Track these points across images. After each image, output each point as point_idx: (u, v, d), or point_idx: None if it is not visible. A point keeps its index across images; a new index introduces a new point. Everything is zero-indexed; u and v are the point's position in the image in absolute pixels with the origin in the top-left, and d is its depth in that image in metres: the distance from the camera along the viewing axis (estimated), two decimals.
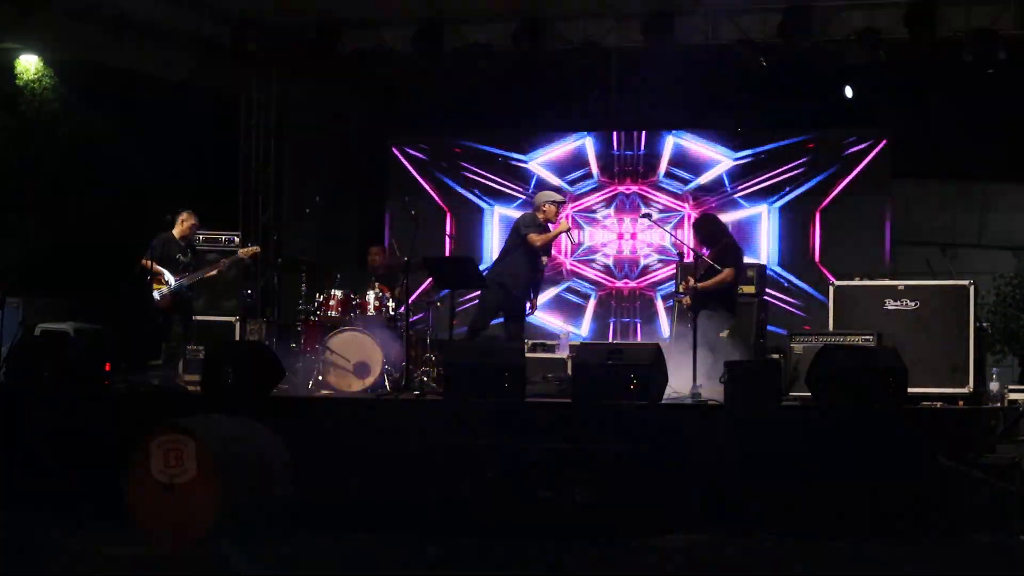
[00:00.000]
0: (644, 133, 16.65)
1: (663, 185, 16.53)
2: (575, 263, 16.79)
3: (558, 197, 12.84)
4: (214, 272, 13.21)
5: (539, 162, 16.94)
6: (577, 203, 16.77)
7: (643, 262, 16.59)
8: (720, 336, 11.76)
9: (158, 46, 15.45)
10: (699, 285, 11.51)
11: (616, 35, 15.32)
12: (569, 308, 16.68)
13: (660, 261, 16.43)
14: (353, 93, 16.42)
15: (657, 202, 16.44)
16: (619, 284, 16.53)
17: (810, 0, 14.44)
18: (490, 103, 16.31)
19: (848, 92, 15.09)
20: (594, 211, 16.74)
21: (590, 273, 16.78)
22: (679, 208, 16.32)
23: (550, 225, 12.47)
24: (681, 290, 11.94)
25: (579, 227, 16.61)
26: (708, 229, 12.17)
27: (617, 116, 16.77)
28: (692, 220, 12.89)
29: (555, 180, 16.76)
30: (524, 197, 16.65)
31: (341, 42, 15.97)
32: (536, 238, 12.33)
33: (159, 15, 14.95)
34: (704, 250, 11.92)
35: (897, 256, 15.80)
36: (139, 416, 10.67)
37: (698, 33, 15.05)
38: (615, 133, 16.74)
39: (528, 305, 12.53)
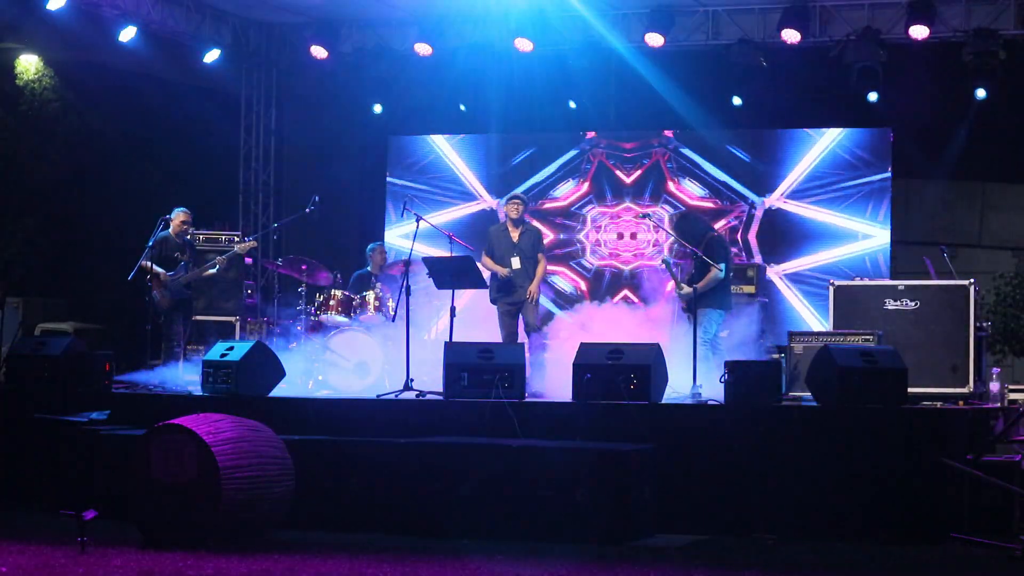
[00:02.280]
0: (643, 134, 16.60)
1: (662, 186, 16.46)
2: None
3: (518, 195, 13.28)
4: (213, 271, 13.21)
5: (537, 165, 16.90)
6: (574, 204, 16.72)
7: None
8: (721, 335, 11.77)
9: (158, 46, 15.45)
10: (696, 287, 11.49)
11: (616, 35, 15.34)
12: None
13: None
14: (353, 92, 16.41)
15: (660, 203, 16.38)
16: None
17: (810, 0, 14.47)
18: (491, 102, 16.28)
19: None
20: (588, 211, 16.67)
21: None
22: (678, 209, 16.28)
23: (511, 230, 13.01)
24: (679, 293, 11.92)
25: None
26: (690, 227, 12.11)
27: (617, 116, 16.74)
28: (672, 221, 12.86)
29: (552, 179, 16.74)
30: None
31: (341, 41, 15.98)
32: (482, 263, 12.93)
33: (159, 15, 14.95)
34: (689, 248, 11.85)
35: (897, 256, 15.78)
36: (139, 416, 10.73)
37: (698, 33, 15.08)
38: (614, 133, 16.70)
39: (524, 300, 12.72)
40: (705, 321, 11.53)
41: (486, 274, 12.88)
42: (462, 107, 16.09)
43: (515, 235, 13.03)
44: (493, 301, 13.07)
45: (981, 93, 14.37)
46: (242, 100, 17.08)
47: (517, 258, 12.93)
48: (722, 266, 11.62)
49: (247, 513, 8.95)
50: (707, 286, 11.55)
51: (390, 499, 9.73)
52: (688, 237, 11.86)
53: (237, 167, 17.06)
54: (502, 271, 12.93)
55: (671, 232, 12.32)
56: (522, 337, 12.82)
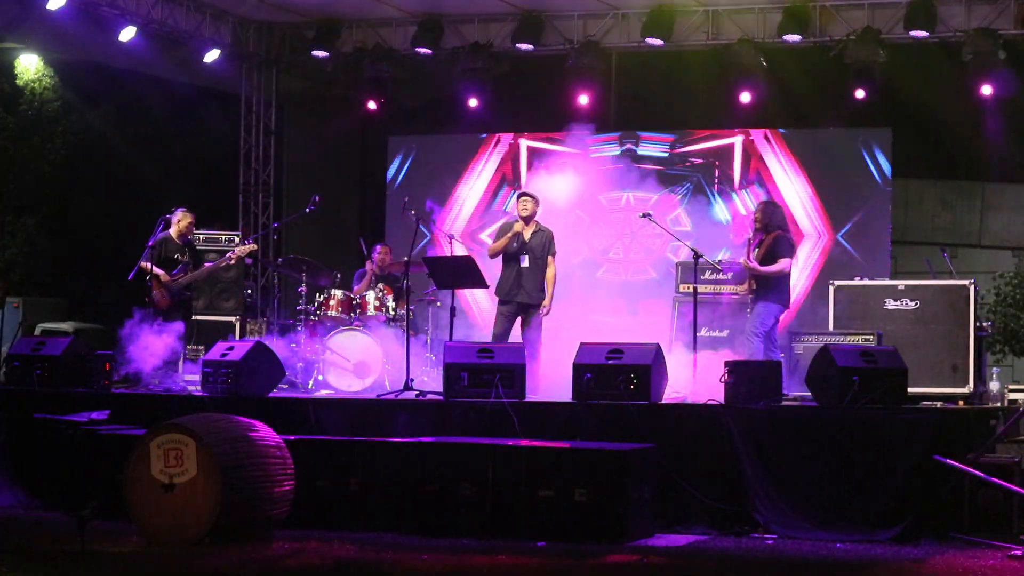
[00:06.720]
0: (644, 133, 16.58)
1: (664, 185, 16.42)
2: None
3: (527, 192, 12.65)
4: (212, 271, 13.20)
5: (537, 165, 16.85)
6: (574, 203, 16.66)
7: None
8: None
9: (158, 46, 15.45)
10: (758, 267, 11.55)
11: (616, 35, 15.35)
12: None
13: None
14: (353, 92, 16.40)
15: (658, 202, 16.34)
16: None
17: None
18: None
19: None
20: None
21: None
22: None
23: (522, 228, 12.33)
24: (742, 262, 11.96)
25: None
26: (769, 216, 12.04)
27: (616, 116, 16.73)
28: (759, 202, 12.90)
29: (552, 179, 16.68)
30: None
31: (341, 41, 15.99)
32: (490, 249, 12.57)
33: (159, 15, 14.95)
34: (760, 235, 11.87)
35: (897, 256, 15.78)
36: (139, 416, 10.73)
37: (698, 33, 15.08)
38: (614, 133, 16.68)
39: (541, 309, 12.33)
40: (764, 314, 11.58)
41: (493, 263, 12.59)
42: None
43: (526, 234, 12.57)
44: (497, 295, 12.44)
45: (981, 92, 14.36)
46: (242, 100, 17.08)
47: (526, 257, 12.48)
48: (786, 262, 11.66)
49: (247, 513, 8.95)
50: (769, 272, 11.63)
51: (390, 499, 9.73)
52: (763, 225, 11.89)
53: (237, 167, 17.06)
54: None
55: (756, 211, 12.33)
56: (516, 337, 12.56)
